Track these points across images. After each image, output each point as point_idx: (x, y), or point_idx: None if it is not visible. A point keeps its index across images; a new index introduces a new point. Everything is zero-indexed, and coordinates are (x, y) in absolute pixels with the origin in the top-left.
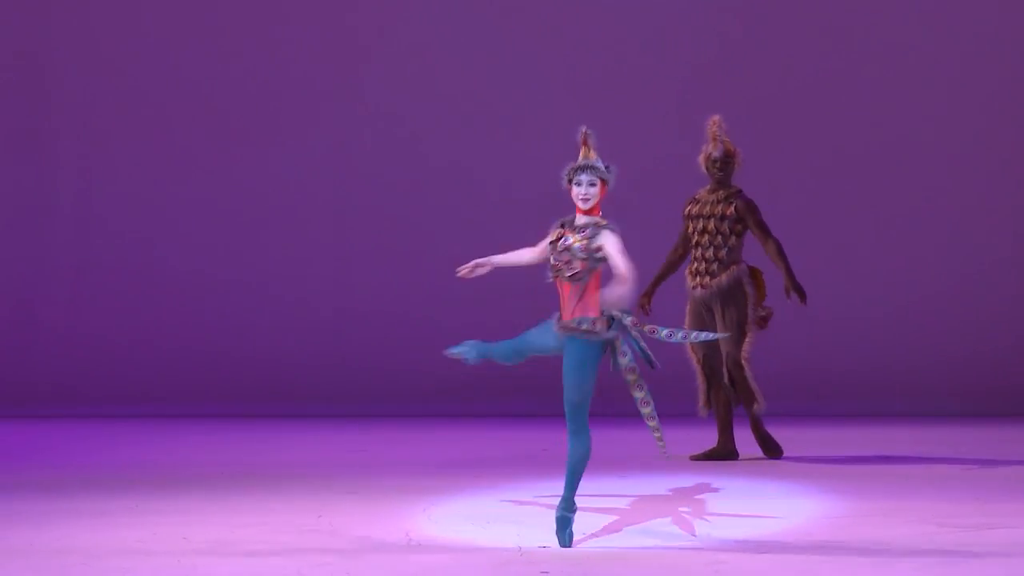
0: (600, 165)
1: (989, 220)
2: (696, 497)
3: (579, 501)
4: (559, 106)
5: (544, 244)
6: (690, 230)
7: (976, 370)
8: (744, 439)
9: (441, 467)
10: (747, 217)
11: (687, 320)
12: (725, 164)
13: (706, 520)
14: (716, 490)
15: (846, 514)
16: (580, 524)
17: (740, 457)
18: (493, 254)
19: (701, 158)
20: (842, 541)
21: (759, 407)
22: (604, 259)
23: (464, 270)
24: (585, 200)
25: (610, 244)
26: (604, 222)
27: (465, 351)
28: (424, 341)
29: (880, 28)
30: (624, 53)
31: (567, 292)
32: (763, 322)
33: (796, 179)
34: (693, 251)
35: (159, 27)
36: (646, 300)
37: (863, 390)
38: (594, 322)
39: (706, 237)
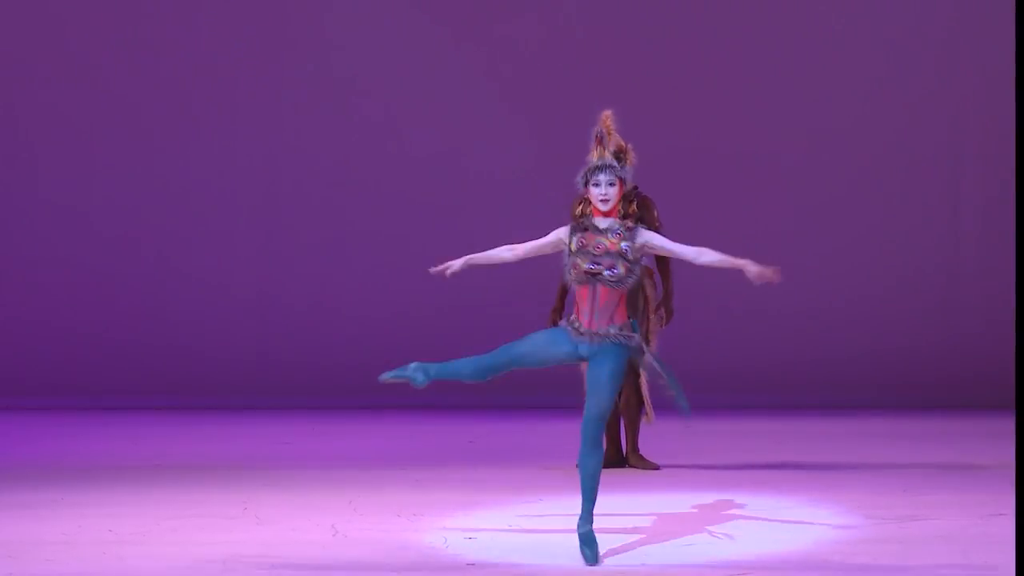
0: (617, 164)
1: (907, 216)
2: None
3: (596, 518)
4: (519, 99)
5: (534, 244)
6: None
7: (899, 364)
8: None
9: (366, 459)
10: (645, 215)
11: None
12: (619, 161)
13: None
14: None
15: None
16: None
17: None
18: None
19: (592, 157)
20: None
21: (648, 419)
22: (638, 261)
23: (438, 268)
24: (605, 201)
25: (657, 237)
26: (630, 224)
27: (410, 374)
28: (349, 333)
29: (807, 21)
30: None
31: (603, 297)
32: (659, 324)
33: (720, 176)
34: None
35: (96, 23)
36: (557, 316)
37: (791, 383)
38: (622, 327)
39: None
